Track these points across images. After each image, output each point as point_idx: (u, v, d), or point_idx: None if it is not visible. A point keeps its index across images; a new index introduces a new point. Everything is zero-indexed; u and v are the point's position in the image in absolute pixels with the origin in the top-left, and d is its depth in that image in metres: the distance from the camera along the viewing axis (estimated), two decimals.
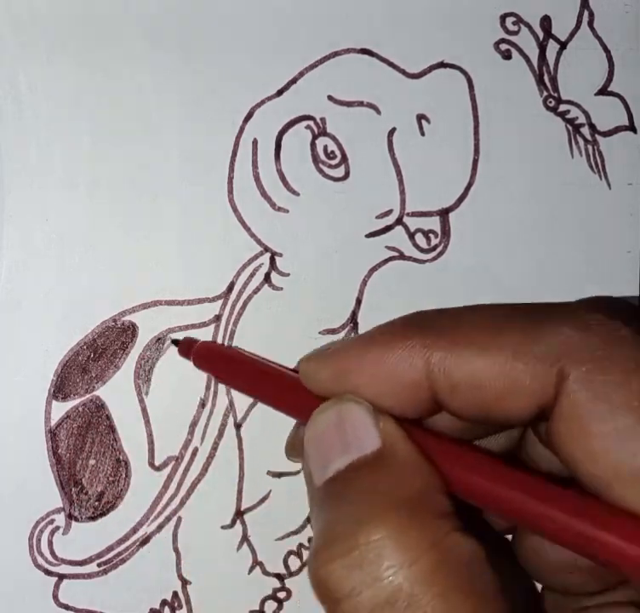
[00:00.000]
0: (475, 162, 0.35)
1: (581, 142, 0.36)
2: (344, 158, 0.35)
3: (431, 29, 0.35)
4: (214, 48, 0.34)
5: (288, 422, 0.33)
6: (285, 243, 0.35)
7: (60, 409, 0.33)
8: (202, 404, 0.34)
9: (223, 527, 0.34)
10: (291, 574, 0.35)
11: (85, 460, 0.33)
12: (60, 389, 0.33)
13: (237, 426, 0.34)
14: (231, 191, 0.34)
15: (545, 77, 0.36)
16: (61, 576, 0.33)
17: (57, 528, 0.33)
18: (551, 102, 0.36)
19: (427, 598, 0.20)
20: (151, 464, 0.34)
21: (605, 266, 0.36)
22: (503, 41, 0.36)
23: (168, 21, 0.34)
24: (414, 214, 0.35)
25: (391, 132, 0.35)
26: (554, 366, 0.22)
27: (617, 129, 0.36)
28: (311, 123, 0.35)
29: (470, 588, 0.21)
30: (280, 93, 0.35)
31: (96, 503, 0.33)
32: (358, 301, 0.35)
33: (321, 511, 0.23)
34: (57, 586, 0.33)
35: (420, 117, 0.35)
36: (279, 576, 0.35)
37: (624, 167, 0.36)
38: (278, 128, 0.35)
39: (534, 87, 0.36)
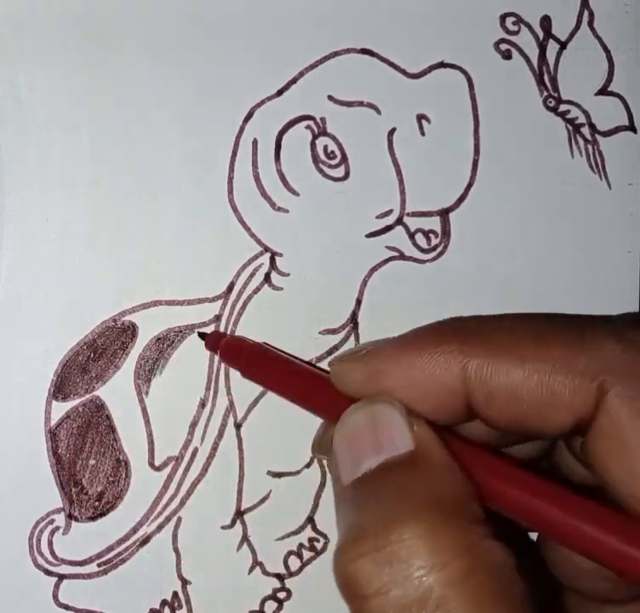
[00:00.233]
0: (475, 162, 0.35)
1: (581, 142, 0.36)
2: (344, 158, 0.35)
3: (431, 29, 0.35)
4: (214, 49, 0.34)
5: (289, 423, 0.34)
6: (285, 243, 0.35)
7: (60, 409, 0.33)
8: (202, 404, 0.34)
9: (223, 527, 0.34)
10: (291, 574, 0.35)
11: (85, 460, 0.33)
12: (59, 389, 0.33)
13: (237, 426, 0.34)
14: (231, 192, 0.34)
15: (545, 77, 0.36)
16: (61, 576, 0.33)
17: (57, 528, 0.33)
18: (551, 102, 0.36)
19: (457, 602, 0.20)
20: (151, 464, 0.34)
21: (605, 266, 0.36)
22: (503, 41, 0.36)
23: (168, 21, 0.34)
24: (414, 214, 0.35)
25: (391, 132, 0.35)
26: (595, 381, 0.22)
27: (617, 129, 0.36)
28: (311, 123, 0.35)
29: (501, 596, 0.20)
30: (280, 93, 0.35)
31: (96, 503, 0.33)
32: (358, 301, 0.35)
33: (349, 509, 0.22)
34: (57, 586, 0.33)
35: (420, 117, 0.35)
36: (279, 576, 0.35)
37: (624, 167, 0.36)
38: (278, 128, 0.35)
39: (534, 87, 0.36)
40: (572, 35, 0.36)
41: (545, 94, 0.36)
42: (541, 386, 0.23)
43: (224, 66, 0.34)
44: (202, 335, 0.33)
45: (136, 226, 0.34)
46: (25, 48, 0.33)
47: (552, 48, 0.36)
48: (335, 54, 0.35)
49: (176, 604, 0.34)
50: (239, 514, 0.34)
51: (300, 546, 0.35)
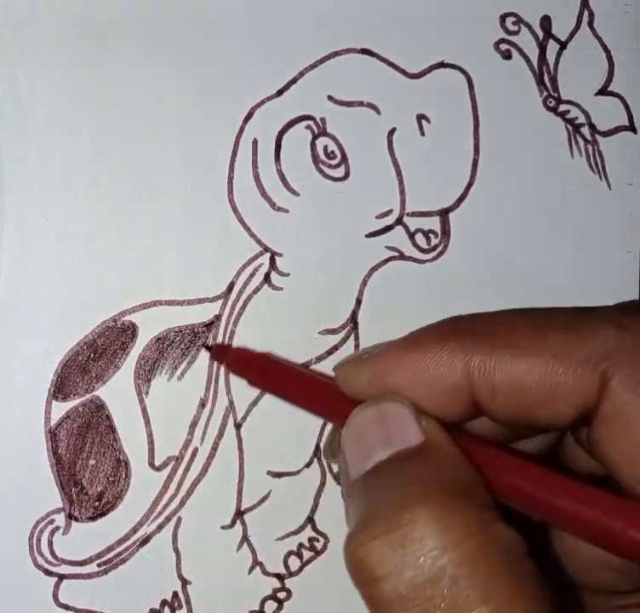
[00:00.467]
0: (475, 162, 0.35)
1: (581, 142, 0.36)
2: (344, 158, 0.35)
3: (431, 29, 0.35)
4: (214, 49, 0.34)
5: (289, 423, 0.34)
6: (285, 243, 0.35)
7: (60, 409, 0.33)
8: (202, 404, 0.34)
9: (223, 527, 0.34)
10: (291, 574, 0.35)
11: (85, 460, 0.33)
12: (59, 389, 0.33)
13: (237, 426, 0.34)
14: (231, 192, 0.34)
15: (545, 77, 0.36)
16: (61, 576, 0.33)
17: (57, 528, 0.33)
18: (551, 102, 0.36)
19: (470, 581, 0.20)
20: (151, 464, 0.34)
21: (605, 266, 0.36)
22: (503, 41, 0.36)
23: (168, 21, 0.34)
24: (414, 214, 0.35)
25: (391, 132, 0.35)
26: (597, 369, 0.22)
27: (617, 129, 0.36)
28: (311, 123, 0.35)
29: (513, 574, 0.20)
30: (280, 93, 0.35)
31: (96, 503, 0.33)
32: (358, 301, 0.35)
33: (359, 501, 0.23)
34: (57, 586, 0.33)
35: (420, 117, 0.35)
36: (279, 576, 0.35)
37: (624, 167, 0.36)
38: (278, 128, 0.35)
39: (534, 87, 0.36)
40: (572, 35, 0.36)
41: (545, 94, 0.36)
42: (544, 378, 0.23)
43: (224, 66, 0.34)
44: (208, 347, 0.33)
45: (136, 226, 0.34)
46: (25, 48, 0.33)
47: (552, 48, 0.36)
48: (335, 54, 0.35)
49: (176, 604, 0.34)
50: (239, 514, 0.34)
51: (300, 546, 0.35)
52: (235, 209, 0.34)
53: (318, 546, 0.35)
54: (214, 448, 0.34)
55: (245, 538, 0.34)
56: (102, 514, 0.33)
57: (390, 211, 0.35)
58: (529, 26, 0.36)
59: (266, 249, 0.35)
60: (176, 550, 0.34)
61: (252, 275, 0.34)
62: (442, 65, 0.35)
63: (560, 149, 0.36)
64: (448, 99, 0.35)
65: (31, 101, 0.33)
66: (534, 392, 0.23)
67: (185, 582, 0.34)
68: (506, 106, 0.36)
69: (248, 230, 0.34)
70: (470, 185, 0.35)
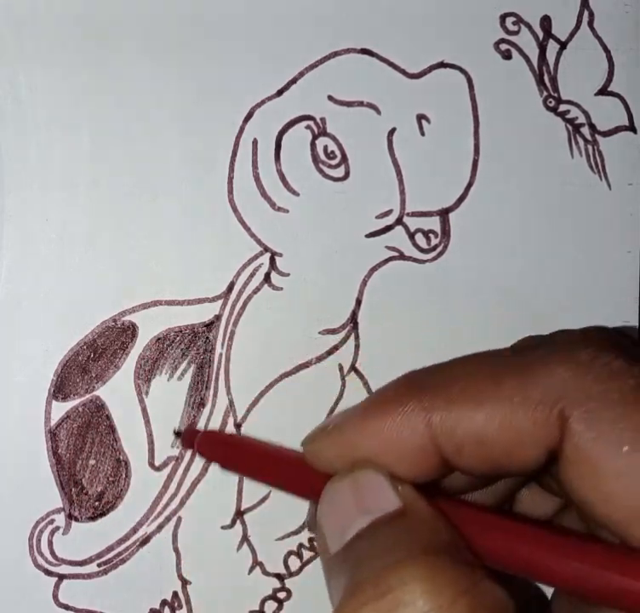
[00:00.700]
0: (475, 162, 0.35)
1: (581, 142, 0.36)
2: (344, 158, 0.35)
3: (431, 29, 0.35)
4: (214, 49, 0.34)
5: (289, 422, 0.34)
6: (285, 243, 0.35)
7: (60, 409, 0.33)
8: (202, 404, 0.34)
9: (223, 527, 0.34)
10: (291, 574, 0.35)
11: (85, 460, 0.33)
12: (59, 389, 0.33)
13: (237, 426, 0.34)
14: (231, 192, 0.34)
15: (545, 77, 0.36)
16: (61, 576, 0.33)
17: (57, 528, 0.33)
18: (551, 102, 0.36)
19: None
20: (151, 464, 0.34)
21: (605, 266, 0.36)
22: (503, 41, 0.36)
23: (168, 21, 0.34)
24: (414, 214, 0.35)
25: (391, 132, 0.35)
26: (554, 409, 0.22)
27: (617, 129, 0.36)
28: (311, 123, 0.35)
29: None
30: (280, 93, 0.35)
31: (96, 503, 0.33)
32: (358, 301, 0.35)
33: (341, 572, 0.22)
34: (57, 586, 0.33)
35: (420, 117, 0.35)
36: (279, 576, 0.35)
37: (624, 167, 0.36)
38: (278, 128, 0.35)
39: (534, 87, 0.36)
40: (572, 35, 0.36)
41: (545, 94, 0.36)
42: (504, 425, 0.22)
43: (224, 66, 0.34)
44: (177, 433, 0.33)
45: (136, 226, 0.34)
46: (25, 48, 0.33)
47: (552, 48, 0.36)
48: (335, 54, 0.35)
49: (176, 604, 0.34)
50: (239, 514, 0.34)
51: (300, 546, 0.35)
52: (235, 209, 0.34)
53: None
54: None
55: (245, 538, 0.34)
56: (102, 514, 0.33)
57: (390, 211, 0.35)
58: (529, 26, 0.36)
59: (266, 249, 0.35)
60: (176, 550, 0.34)
61: (252, 275, 0.34)
62: (442, 65, 0.35)
63: (560, 149, 0.36)
64: (448, 99, 0.35)
65: (31, 101, 0.33)
66: (498, 441, 0.23)
67: (185, 582, 0.34)
68: (506, 106, 0.36)
69: (248, 230, 0.34)
70: (470, 185, 0.35)
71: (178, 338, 0.34)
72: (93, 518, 0.33)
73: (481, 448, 0.23)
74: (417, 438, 0.23)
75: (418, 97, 0.35)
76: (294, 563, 0.35)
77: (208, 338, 0.34)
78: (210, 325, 0.34)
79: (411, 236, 0.35)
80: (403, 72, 0.35)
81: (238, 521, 0.34)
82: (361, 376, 0.35)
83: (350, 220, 0.35)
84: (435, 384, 0.24)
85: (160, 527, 0.34)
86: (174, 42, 0.34)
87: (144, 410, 0.34)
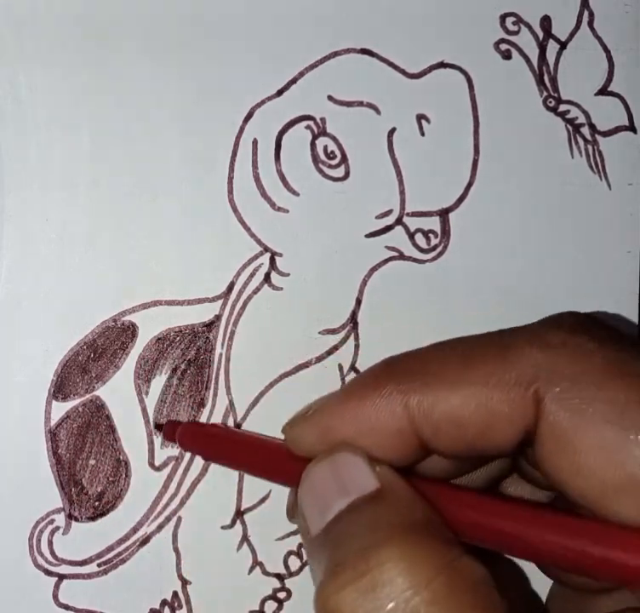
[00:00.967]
0: (475, 162, 0.35)
1: (581, 142, 0.36)
2: (344, 158, 0.35)
3: (431, 29, 0.35)
4: (214, 49, 0.34)
5: None
6: (285, 243, 0.35)
7: (59, 409, 0.33)
8: (202, 404, 0.34)
9: (223, 527, 0.34)
10: (291, 574, 0.35)
11: (85, 460, 0.33)
12: (59, 389, 0.33)
13: (237, 427, 0.34)
14: (231, 192, 0.34)
15: (545, 77, 0.36)
16: (61, 576, 0.33)
17: (57, 528, 0.33)
18: (551, 102, 0.36)
19: None
20: (151, 464, 0.34)
21: (605, 266, 0.36)
22: (503, 41, 0.36)
23: (168, 21, 0.34)
24: (414, 214, 0.35)
25: (391, 132, 0.35)
26: (528, 390, 0.22)
27: (617, 129, 0.36)
28: (311, 123, 0.35)
29: (485, 609, 0.20)
30: (280, 93, 0.35)
31: (96, 503, 0.33)
32: (358, 301, 0.35)
33: (322, 553, 0.22)
34: (57, 586, 0.33)
35: (420, 117, 0.35)
36: (279, 576, 0.35)
37: (624, 167, 0.36)
38: (278, 128, 0.35)
39: (534, 87, 0.36)
40: (572, 35, 0.36)
41: (545, 94, 0.36)
42: (480, 407, 0.23)
43: (224, 66, 0.34)
44: (158, 426, 0.33)
45: (136, 226, 0.34)
46: (25, 48, 0.33)
47: (552, 48, 0.36)
48: (335, 54, 0.35)
49: (176, 604, 0.34)
50: (239, 514, 0.34)
51: (300, 546, 0.35)
52: (235, 209, 0.34)
53: None
54: None
55: (245, 538, 0.34)
56: (102, 514, 0.33)
57: (390, 211, 0.35)
58: (529, 26, 0.36)
59: (266, 249, 0.35)
60: (176, 550, 0.34)
61: (252, 275, 0.34)
62: (442, 65, 0.35)
63: (560, 149, 0.36)
64: (448, 99, 0.35)
65: (31, 101, 0.33)
66: (473, 423, 0.23)
67: (185, 582, 0.34)
68: (506, 106, 0.36)
69: (248, 230, 0.34)
70: (470, 185, 0.35)
71: (178, 338, 0.34)
72: (93, 518, 0.33)
73: (457, 429, 0.23)
74: (395, 420, 0.24)
75: (418, 97, 0.35)
76: (294, 563, 0.35)
77: (208, 338, 0.34)
78: (210, 325, 0.34)
79: (411, 236, 0.35)
80: (403, 72, 0.35)
81: (238, 521, 0.34)
82: None
83: (350, 220, 0.35)
84: (412, 368, 0.24)
85: (160, 527, 0.34)
86: (174, 42, 0.34)
87: (144, 410, 0.34)
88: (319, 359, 0.34)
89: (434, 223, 0.35)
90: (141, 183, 0.34)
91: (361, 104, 0.35)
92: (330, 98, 0.35)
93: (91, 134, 0.33)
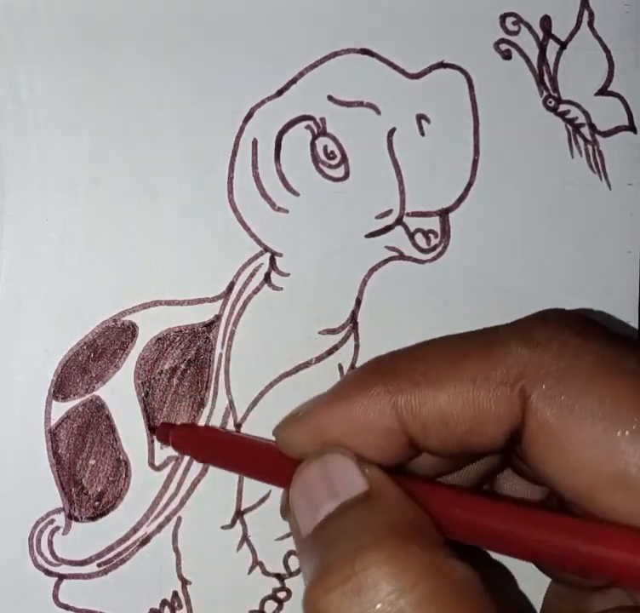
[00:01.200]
0: (475, 162, 0.35)
1: (581, 142, 0.36)
2: (344, 158, 0.35)
3: (431, 29, 0.35)
4: (214, 48, 0.34)
5: None
6: (285, 243, 0.35)
7: (60, 409, 0.33)
8: (202, 404, 0.34)
9: (223, 527, 0.34)
10: (291, 574, 0.35)
11: (85, 460, 0.33)
12: (59, 389, 0.33)
13: (237, 426, 0.34)
14: (231, 192, 0.34)
15: (545, 77, 0.36)
16: (61, 576, 0.33)
17: (57, 528, 0.33)
18: (551, 102, 0.36)
19: None
20: (151, 464, 0.34)
21: (605, 266, 0.36)
22: (503, 41, 0.36)
23: (167, 21, 0.34)
24: (414, 214, 0.35)
25: (391, 132, 0.35)
26: (514, 388, 0.23)
27: (617, 129, 0.36)
28: (311, 123, 0.35)
29: (471, 611, 0.20)
30: (280, 93, 0.35)
31: (96, 503, 0.33)
32: (358, 301, 0.35)
33: (312, 555, 0.23)
34: (57, 586, 0.33)
35: (420, 117, 0.35)
36: (279, 576, 0.35)
37: (624, 167, 0.36)
38: (278, 128, 0.35)
39: (534, 87, 0.36)
40: (572, 35, 0.36)
41: (545, 94, 0.36)
42: (467, 405, 0.23)
43: (224, 66, 0.34)
44: (152, 429, 0.33)
45: (136, 226, 0.34)
46: (25, 48, 0.33)
47: (552, 48, 0.36)
48: (335, 54, 0.35)
49: (176, 604, 0.34)
50: (239, 514, 0.34)
51: None
52: (235, 209, 0.34)
53: None
54: None
55: (245, 538, 0.34)
56: (102, 514, 0.33)
57: (390, 211, 0.35)
58: (529, 26, 0.36)
59: (266, 249, 0.35)
60: (176, 550, 0.34)
61: (252, 275, 0.34)
62: (442, 65, 0.35)
63: (560, 149, 0.36)
64: (448, 99, 0.35)
65: (31, 101, 0.33)
66: (461, 421, 0.23)
67: (185, 582, 0.34)
68: (506, 106, 0.36)
69: (248, 230, 0.34)
70: (470, 185, 0.35)
71: (178, 338, 0.34)
72: (93, 518, 0.33)
73: (445, 427, 0.23)
74: (384, 420, 0.24)
75: (418, 97, 0.35)
76: (294, 563, 0.35)
77: (208, 338, 0.34)
78: (210, 325, 0.34)
79: (411, 236, 0.35)
80: (403, 72, 0.35)
81: (238, 521, 0.34)
82: None
83: (350, 220, 0.35)
84: (399, 368, 0.24)
85: (160, 527, 0.34)
86: (174, 42, 0.34)
87: (144, 410, 0.34)
88: (319, 359, 0.34)
89: (434, 223, 0.35)
90: (141, 183, 0.34)
91: (361, 104, 0.35)
92: (330, 98, 0.35)
93: (91, 134, 0.33)
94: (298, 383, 0.34)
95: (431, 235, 0.35)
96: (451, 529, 0.23)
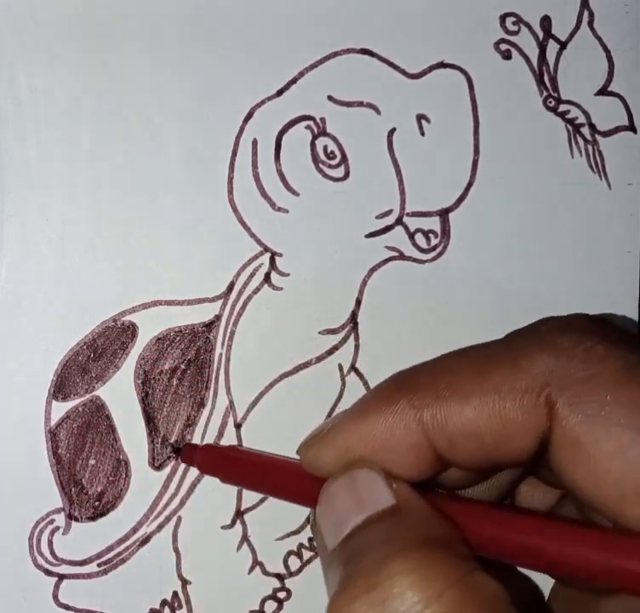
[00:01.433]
0: (475, 162, 0.35)
1: (581, 142, 0.36)
2: (344, 158, 0.35)
3: (431, 29, 0.35)
4: (215, 49, 0.34)
5: (289, 422, 0.34)
6: (285, 243, 0.35)
7: (60, 409, 0.33)
8: (202, 405, 0.34)
9: (223, 527, 0.34)
10: (291, 574, 0.35)
11: (85, 460, 0.33)
12: (59, 389, 0.33)
13: (237, 426, 0.34)
14: (231, 192, 0.34)
15: (545, 77, 0.36)
16: (61, 576, 0.33)
17: (57, 528, 0.33)
18: (551, 102, 0.36)
19: None
20: (151, 464, 0.34)
21: (605, 266, 0.36)
22: (503, 41, 0.36)
23: (168, 21, 0.34)
24: (414, 214, 0.35)
25: (391, 132, 0.35)
26: (540, 397, 0.22)
27: (617, 129, 0.36)
28: (311, 123, 0.35)
29: None
30: (280, 93, 0.35)
31: (96, 503, 0.33)
32: (358, 301, 0.35)
33: (337, 568, 0.22)
34: (57, 586, 0.33)
35: (420, 117, 0.35)
36: (279, 576, 0.35)
37: (624, 167, 0.36)
38: (278, 128, 0.35)
39: (534, 87, 0.36)
40: (572, 35, 0.36)
41: (545, 94, 0.36)
42: (493, 417, 0.23)
43: (224, 66, 0.34)
44: (176, 449, 0.33)
45: (136, 226, 0.34)
46: (25, 48, 0.33)
47: (552, 48, 0.36)
48: (335, 54, 0.35)
49: (176, 604, 0.34)
50: (239, 514, 0.34)
51: (300, 546, 0.35)
52: (235, 209, 0.34)
53: None
54: None
55: (245, 538, 0.34)
56: (102, 514, 0.33)
57: (390, 211, 0.35)
58: (529, 26, 0.36)
59: (266, 249, 0.35)
60: (176, 550, 0.34)
61: (252, 275, 0.34)
62: (442, 65, 0.35)
63: (560, 149, 0.36)
64: (448, 99, 0.35)
65: (31, 101, 0.33)
66: (488, 433, 0.23)
67: (185, 582, 0.34)
68: (506, 106, 0.36)
69: (248, 230, 0.34)
70: (470, 185, 0.35)
71: (178, 338, 0.34)
72: (93, 518, 0.33)
73: (473, 440, 0.23)
74: (410, 435, 0.24)
75: (418, 97, 0.35)
76: (294, 563, 0.35)
77: (208, 338, 0.34)
78: (210, 325, 0.34)
79: (411, 236, 0.35)
80: (403, 72, 0.35)
81: (238, 521, 0.34)
82: (361, 376, 0.35)
83: (350, 220, 0.35)
84: (423, 382, 0.24)
85: (160, 527, 0.34)
86: (174, 42, 0.34)
87: (144, 410, 0.34)
88: (319, 359, 0.34)
89: (434, 223, 0.35)
90: (141, 183, 0.34)
91: (361, 104, 0.35)
92: (330, 98, 0.35)
93: (91, 134, 0.33)
94: (298, 383, 0.34)
95: (431, 235, 0.35)
96: (479, 546, 0.23)
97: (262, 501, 0.34)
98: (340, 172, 0.35)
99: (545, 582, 0.29)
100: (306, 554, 0.35)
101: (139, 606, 0.34)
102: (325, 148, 0.35)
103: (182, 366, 0.34)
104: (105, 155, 0.34)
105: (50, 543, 0.33)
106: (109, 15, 0.33)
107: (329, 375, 0.35)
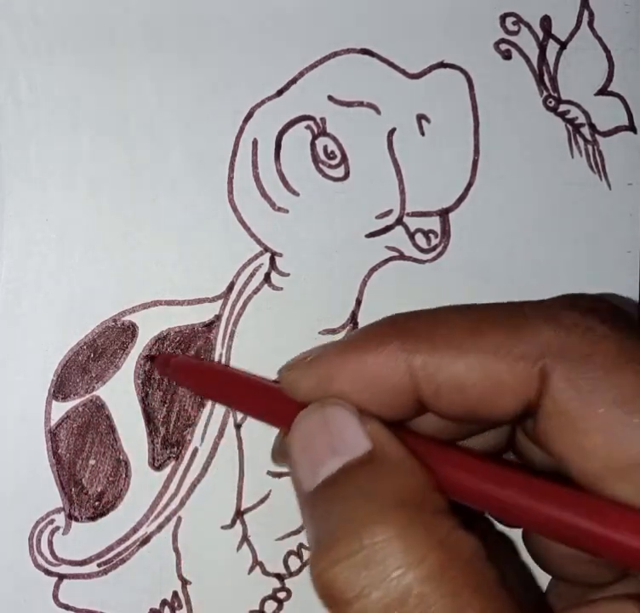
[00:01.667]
0: (475, 162, 0.35)
1: (581, 142, 0.36)
2: (344, 158, 0.35)
3: (431, 29, 0.35)
4: (214, 48, 0.34)
5: None
6: (285, 243, 0.35)
7: (59, 409, 0.33)
8: (202, 404, 0.34)
9: (223, 527, 0.34)
10: (291, 574, 0.35)
11: (85, 460, 0.33)
12: (59, 389, 0.33)
13: (237, 427, 0.34)
14: (231, 192, 0.34)
15: (545, 77, 0.36)
16: (61, 576, 0.33)
17: (57, 528, 0.33)
18: (551, 102, 0.36)
19: (437, 596, 0.20)
20: (151, 464, 0.34)
21: (605, 266, 0.36)
22: (503, 41, 0.36)
23: (168, 21, 0.34)
24: (414, 214, 0.35)
25: (391, 132, 0.35)
26: (535, 365, 0.23)
27: (617, 129, 0.36)
28: (311, 123, 0.35)
29: (477, 585, 0.21)
30: (280, 93, 0.35)
31: (96, 503, 0.33)
32: (358, 301, 0.35)
33: (315, 515, 0.23)
34: (57, 586, 0.33)
35: (420, 117, 0.35)
36: (279, 576, 0.35)
37: (624, 167, 0.36)
38: (278, 128, 0.35)
39: (534, 87, 0.36)
40: (572, 35, 0.36)
41: (545, 94, 0.36)
42: (485, 376, 0.23)
43: (224, 66, 0.34)
44: (151, 358, 0.33)
45: (136, 226, 0.34)
46: (25, 48, 0.33)
47: (552, 48, 0.36)
48: (335, 54, 0.35)
49: (176, 604, 0.34)
50: (239, 514, 0.34)
51: (300, 546, 0.35)
52: (235, 209, 0.34)
53: None
54: (214, 448, 0.34)
55: (245, 538, 0.34)
56: (102, 514, 0.33)
57: (390, 211, 0.35)
58: (529, 26, 0.36)
59: (266, 249, 0.35)
60: (176, 550, 0.34)
61: (252, 275, 0.34)
62: (442, 65, 0.35)
63: (560, 149, 0.36)
64: (448, 99, 0.35)
65: (31, 101, 0.33)
66: (477, 390, 0.23)
67: (185, 582, 0.34)
68: (506, 106, 0.36)
69: (248, 230, 0.34)
70: (470, 185, 0.35)
71: (178, 338, 0.34)
72: (93, 518, 0.33)
73: (459, 394, 0.23)
74: (396, 377, 0.24)
75: (418, 97, 0.35)
76: (294, 563, 0.35)
77: (208, 338, 0.34)
78: (210, 325, 0.34)
79: (411, 236, 0.35)
80: (403, 72, 0.35)
81: (238, 521, 0.34)
82: None
83: (350, 220, 0.35)
84: (419, 328, 0.24)
85: (160, 527, 0.34)
86: (174, 43, 0.34)
87: (144, 410, 0.34)
88: None
89: (434, 223, 0.35)
90: (141, 183, 0.34)
91: (361, 104, 0.35)
92: (330, 98, 0.35)
93: (91, 134, 0.33)
94: None
95: (431, 235, 0.35)
96: (455, 491, 0.23)
97: (262, 500, 0.34)
98: (339, 172, 0.35)
99: (544, 581, 0.29)
100: (306, 554, 0.35)
101: (139, 606, 0.34)
102: (325, 148, 0.35)
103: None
104: (105, 155, 0.34)
105: (50, 543, 0.33)
106: (109, 15, 0.33)
107: None
